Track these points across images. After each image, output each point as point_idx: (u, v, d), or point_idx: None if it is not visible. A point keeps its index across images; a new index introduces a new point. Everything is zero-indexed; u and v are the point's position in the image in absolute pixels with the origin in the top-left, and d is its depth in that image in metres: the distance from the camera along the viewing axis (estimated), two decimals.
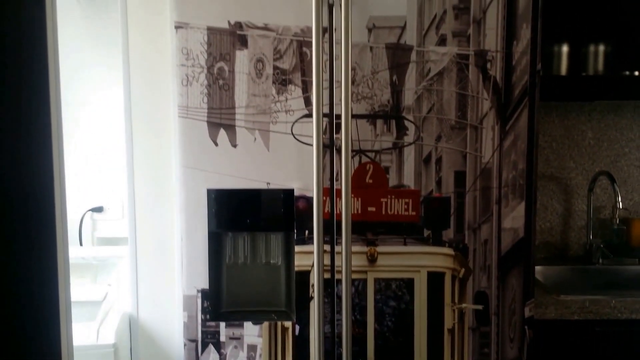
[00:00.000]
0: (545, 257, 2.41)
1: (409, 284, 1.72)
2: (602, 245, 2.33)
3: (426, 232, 1.71)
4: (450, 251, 1.71)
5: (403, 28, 1.65)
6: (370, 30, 1.66)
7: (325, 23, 1.64)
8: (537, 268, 2.15)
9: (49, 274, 0.90)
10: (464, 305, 1.73)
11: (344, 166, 1.63)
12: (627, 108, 2.35)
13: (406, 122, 1.68)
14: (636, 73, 2.16)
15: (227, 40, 1.68)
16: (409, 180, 1.69)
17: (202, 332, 1.76)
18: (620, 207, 2.23)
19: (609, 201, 2.40)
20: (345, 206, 1.65)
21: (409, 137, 1.68)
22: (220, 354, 1.75)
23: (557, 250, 2.44)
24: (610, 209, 2.38)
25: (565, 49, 2.18)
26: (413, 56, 1.66)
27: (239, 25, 1.67)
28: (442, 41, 1.65)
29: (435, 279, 1.72)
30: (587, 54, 2.19)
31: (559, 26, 2.15)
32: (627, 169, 2.40)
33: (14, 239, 0.84)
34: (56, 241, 0.90)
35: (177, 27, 1.67)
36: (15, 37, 0.83)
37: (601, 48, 2.17)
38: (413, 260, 1.72)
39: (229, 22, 1.67)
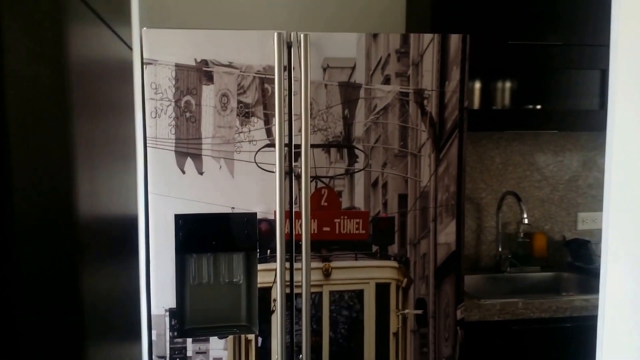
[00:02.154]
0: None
1: (359, 294, 1.93)
2: (509, 256, 2.67)
3: (374, 248, 1.93)
4: (395, 264, 1.94)
5: (353, 68, 1.88)
6: (324, 70, 1.87)
7: (285, 62, 1.83)
8: None
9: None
10: (406, 311, 1.96)
11: (304, 191, 1.83)
12: (529, 137, 2.72)
13: (357, 151, 1.90)
14: (538, 107, 2.53)
15: (193, 76, 1.83)
16: (359, 203, 1.91)
17: (170, 348, 1.86)
18: (526, 222, 2.58)
19: (514, 217, 2.75)
20: (305, 227, 1.83)
21: (359, 164, 1.90)
22: None
23: (472, 262, 2.75)
24: (515, 225, 2.73)
25: (477, 85, 2.51)
26: (362, 93, 1.89)
27: (205, 62, 1.82)
28: (386, 80, 1.90)
29: (382, 289, 1.94)
30: (496, 90, 2.53)
31: (472, 64, 2.47)
32: (529, 189, 2.76)
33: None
34: None
35: (146, 64, 1.80)
36: None
37: (507, 84, 2.52)
38: (363, 274, 1.93)
39: (195, 60, 1.82)
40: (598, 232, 2.81)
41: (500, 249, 2.70)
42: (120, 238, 1.49)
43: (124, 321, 1.54)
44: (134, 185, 1.88)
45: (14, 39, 0.78)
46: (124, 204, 1.56)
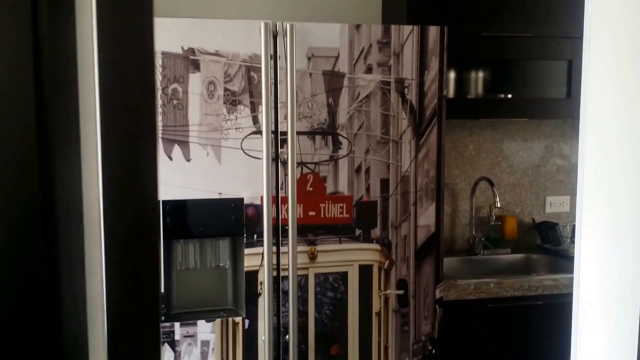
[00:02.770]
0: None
1: (343, 276, 2.00)
2: (482, 239, 2.77)
3: (357, 231, 2.00)
4: (377, 247, 2.01)
5: (337, 58, 1.93)
6: (309, 59, 1.92)
7: (271, 51, 1.87)
8: None
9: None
10: (388, 291, 2.04)
11: (290, 176, 1.88)
12: (500, 124, 2.83)
13: (340, 138, 1.96)
14: (509, 96, 2.63)
15: (180, 64, 1.86)
16: (343, 188, 1.98)
17: None
18: (498, 206, 2.69)
19: (486, 202, 2.85)
20: (291, 212, 1.89)
21: (343, 151, 1.96)
22: (175, 351, 1.91)
23: (447, 244, 2.85)
24: (488, 209, 2.83)
25: (452, 75, 2.60)
26: (345, 82, 1.95)
27: (191, 50, 1.85)
28: (368, 70, 1.96)
29: (365, 271, 2.02)
30: (469, 80, 2.62)
31: (447, 55, 2.55)
32: (500, 175, 2.87)
33: None
34: None
35: None
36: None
37: (480, 74, 2.61)
38: (347, 256, 2.00)
39: (182, 48, 1.85)
40: (565, 215, 2.93)
41: (473, 232, 2.81)
42: None
43: None
44: None
45: None
46: None
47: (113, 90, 0.96)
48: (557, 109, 2.61)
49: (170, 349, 1.91)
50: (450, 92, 2.61)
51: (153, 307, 1.04)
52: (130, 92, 0.97)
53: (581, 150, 1.29)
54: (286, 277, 1.93)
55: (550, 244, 2.80)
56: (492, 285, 2.32)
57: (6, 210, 0.88)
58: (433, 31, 1.99)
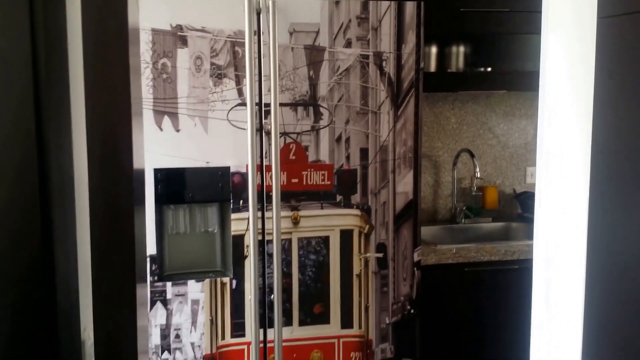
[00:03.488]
0: (420, 221, 2.92)
1: (325, 240, 2.12)
2: (464, 208, 2.89)
3: (338, 198, 2.11)
4: (357, 212, 2.13)
5: (317, 32, 2.04)
6: (291, 34, 2.02)
7: (255, 27, 1.98)
8: None
9: None
10: (368, 254, 2.16)
11: (274, 146, 1.99)
12: (482, 98, 2.93)
13: (321, 109, 2.07)
14: (489, 69, 2.72)
15: (169, 40, 1.96)
16: (324, 156, 2.09)
17: (151, 291, 2.03)
18: (479, 176, 2.80)
19: (468, 173, 2.96)
20: (275, 179, 2.01)
21: (324, 121, 2.07)
22: (167, 309, 2.04)
23: (430, 214, 2.97)
24: (470, 179, 2.95)
25: (434, 49, 2.69)
26: (326, 55, 2.05)
27: (179, 27, 1.96)
28: (348, 44, 2.06)
29: (346, 235, 2.14)
30: (451, 54, 2.72)
31: (428, 31, 2.64)
32: (482, 147, 2.98)
33: None
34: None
35: None
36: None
37: (461, 49, 2.70)
38: (328, 221, 2.12)
39: (170, 25, 1.95)
40: None
41: (455, 202, 2.92)
42: None
43: None
44: None
45: None
46: None
47: (94, 66, 1.09)
48: (535, 81, 2.71)
49: (163, 307, 2.04)
50: (432, 66, 2.71)
51: (129, 256, 1.17)
52: (106, 68, 1.09)
53: (540, 122, 1.39)
54: (271, 241, 2.05)
55: (530, 213, 2.91)
56: (470, 250, 2.45)
57: (6, 174, 1.01)
58: (409, 6, 2.09)
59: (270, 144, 2.01)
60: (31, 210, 0.99)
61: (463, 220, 2.88)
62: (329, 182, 2.10)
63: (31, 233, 1.01)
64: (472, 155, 2.82)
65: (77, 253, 1.16)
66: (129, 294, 1.20)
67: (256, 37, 1.98)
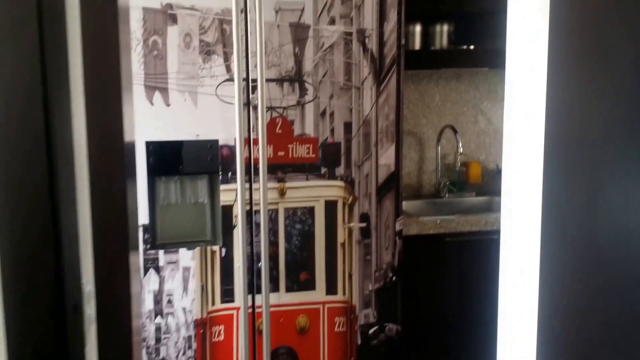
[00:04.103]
0: (405, 196, 3.02)
1: (310, 210, 2.22)
2: (447, 183, 2.99)
3: (323, 170, 2.21)
4: (341, 184, 2.23)
5: (302, 10, 2.11)
6: (277, 12, 2.10)
7: (242, 5, 2.05)
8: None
9: None
10: (352, 224, 2.26)
11: (261, 120, 2.08)
12: (465, 76, 3.01)
13: (306, 85, 2.16)
14: (471, 47, 2.81)
15: (159, 18, 2.04)
16: (309, 130, 2.18)
17: (144, 259, 2.13)
18: (461, 151, 2.89)
19: (452, 149, 3.06)
20: (262, 152, 2.10)
21: (309, 96, 2.16)
22: (159, 276, 2.14)
23: (414, 190, 3.07)
24: (453, 155, 3.04)
25: (418, 28, 2.77)
26: (310, 33, 2.13)
27: (169, 5, 2.03)
28: (332, 21, 2.14)
29: (330, 206, 2.23)
30: (435, 32, 2.80)
31: (411, 9, 2.72)
32: (465, 124, 3.07)
33: None
34: None
35: None
36: None
37: (445, 27, 2.78)
38: (313, 192, 2.21)
39: (161, 3, 2.03)
40: None
41: (439, 178, 3.02)
42: None
43: None
44: None
45: None
46: None
47: (90, 43, 1.18)
48: None
49: (156, 274, 2.14)
50: (417, 44, 2.79)
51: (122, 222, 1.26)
52: (98, 45, 1.18)
53: (507, 98, 1.47)
54: (258, 211, 2.14)
55: None
56: (451, 221, 2.55)
57: (17, 142, 1.10)
58: None
59: (257, 118, 2.10)
60: (41, 175, 1.09)
61: (447, 195, 2.97)
62: (314, 155, 2.19)
63: (40, 187, 1.11)
64: (455, 132, 2.91)
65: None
66: (123, 244, 1.30)
67: (243, 15, 2.06)
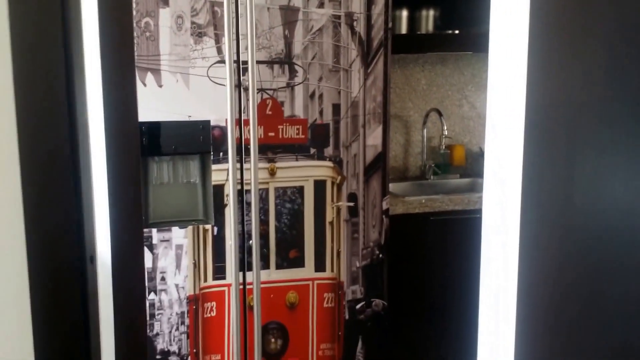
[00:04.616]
0: (392, 178, 3.09)
1: (300, 190, 2.28)
2: (433, 165, 3.06)
3: (312, 150, 2.26)
4: (330, 164, 2.29)
5: None
6: None
7: None
8: None
9: None
10: (340, 203, 2.32)
11: (251, 101, 2.13)
12: (451, 60, 3.08)
13: (296, 67, 2.21)
14: (456, 32, 2.87)
15: (151, 0, 2.07)
16: (299, 112, 2.23)
17: None
18: (446, 134, 2.96)
19: (437, 132, 3.13)
20: (253, 133, 2.15)
21: (299, 78, 2.21)
22: (153, 253, 2.19)
23: (400, 172, 3.14)
24: (439, 138, 3.11)
25: (404, 13, 2.83)
26: (300, 15, 2.18)
27: None
28: (321, 4, 2.19)
29: (319, 185, 2.29)
30: (421, 17, 2.86)
31: None
32: (450, 107, 3.14)
33: None
34: None
35: None
36: None
37: (431, 12, 2.84)
38: (303, 172, 2.27)
39: None
40: None
41: (425, 160, 3.09)
42: None
43: None
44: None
45: None
46: None
47: (106, 22, 1.22)
48: None
49: (149, 252, 2.19)
50: (403, 29, 2.85)
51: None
52: (113, 26, 1.23)
53: (490, 82, 1.52)
54: (249, 190, 2.20)
55: None
56: (435, 201, 2.62)
57: (43, 112, 1.15)
58: None
59: (248, 100, 2.15)
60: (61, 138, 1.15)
61: (432, 176, 3.05)
62: (303, 136, 2.24)
63: (61, 148, 1.17)
64: (440, 115, 2.98)
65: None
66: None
67: None
